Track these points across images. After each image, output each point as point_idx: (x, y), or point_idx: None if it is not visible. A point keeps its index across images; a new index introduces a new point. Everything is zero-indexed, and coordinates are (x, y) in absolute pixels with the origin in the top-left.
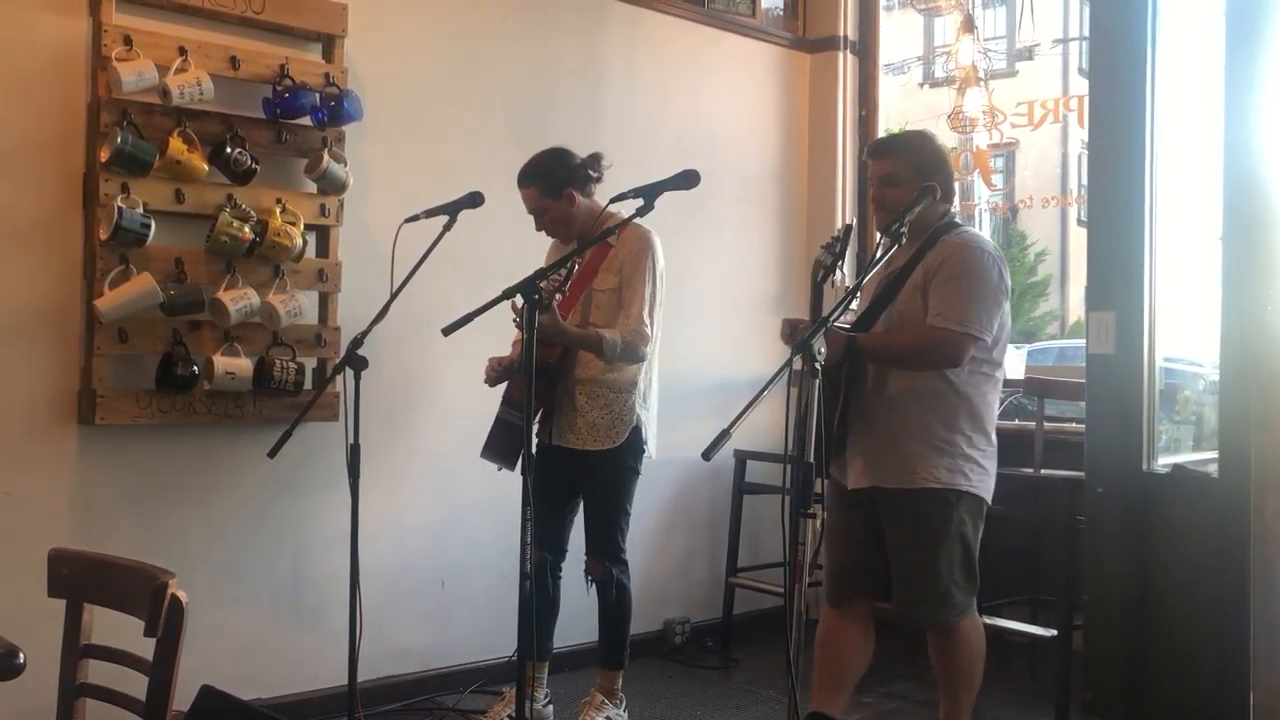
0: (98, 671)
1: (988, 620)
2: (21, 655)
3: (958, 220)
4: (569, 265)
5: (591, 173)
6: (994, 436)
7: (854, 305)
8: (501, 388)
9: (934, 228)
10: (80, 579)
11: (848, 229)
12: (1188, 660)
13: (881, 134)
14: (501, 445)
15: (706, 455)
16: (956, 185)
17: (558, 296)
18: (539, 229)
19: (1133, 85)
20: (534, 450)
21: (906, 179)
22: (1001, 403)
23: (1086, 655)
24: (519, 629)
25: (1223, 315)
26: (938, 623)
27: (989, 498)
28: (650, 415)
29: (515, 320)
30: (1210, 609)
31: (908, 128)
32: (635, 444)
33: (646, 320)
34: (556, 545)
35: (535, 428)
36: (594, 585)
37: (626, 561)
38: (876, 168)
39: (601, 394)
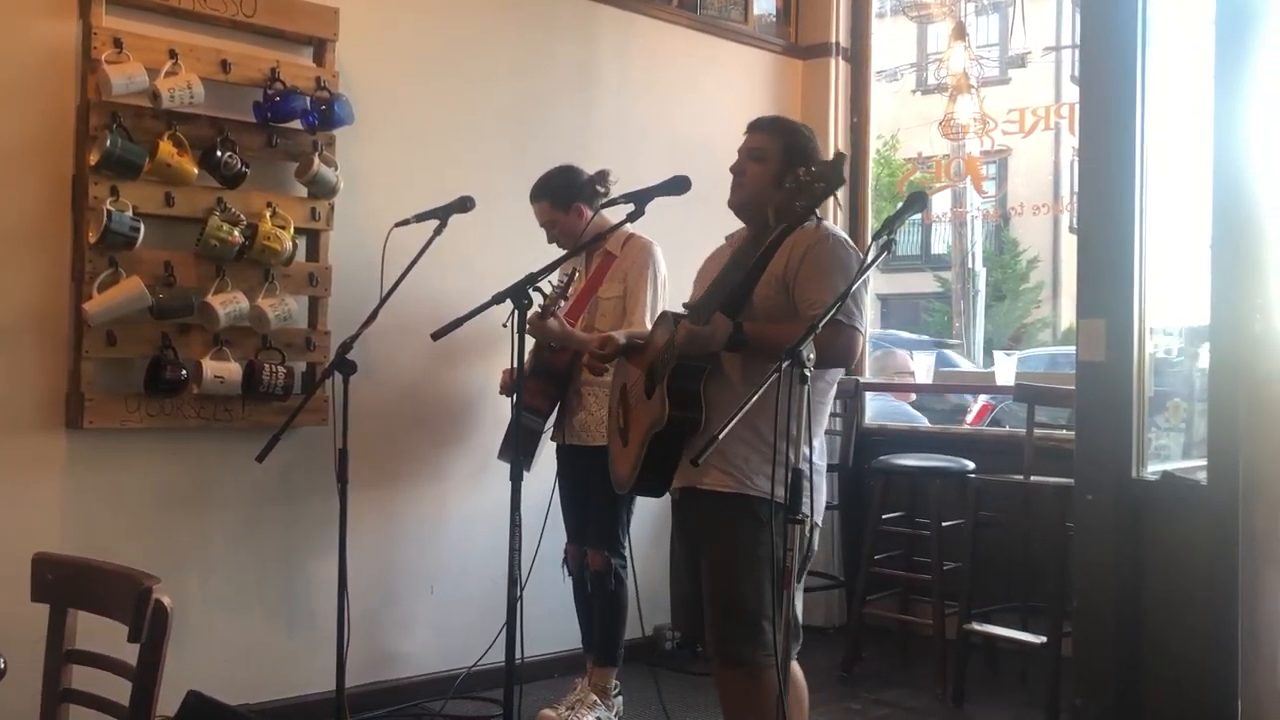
0: (81, 677)
1: (979, 627)
2: (2, 660)
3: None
4: (570, 273)
5: (599, 188)
6: (823, 447)
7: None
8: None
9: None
10: (64, 584)
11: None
12: (1177, 667)
13: (874, 140)
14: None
15: (695, 460)
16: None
17: (561, 304)
18: (550, 241)
19: (1123, 93)
20: (535, 452)
21: (772, 158)
22: (992, 409)
23: (1076, 662)
24: (506, 633)
25: (1212, 323)
26: (744, 661)
27: (817, 517)
28: None
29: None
30: (1199, 616)
31: (899, 134)
32: None
33: (648, 326)
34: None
35: (549, 431)
36: (594, 577)
37: (625, 555)
38: (750, 140)
39: (607, 392)
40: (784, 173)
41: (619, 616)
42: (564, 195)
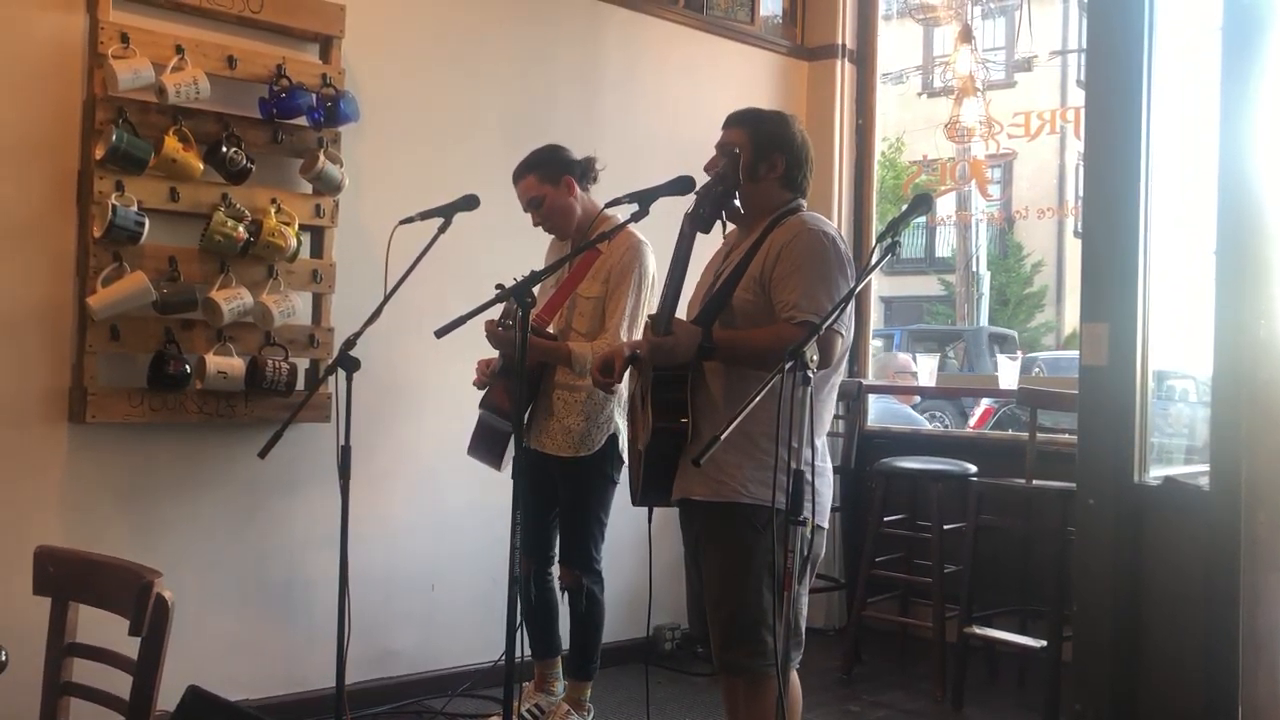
0: (82, 670)
1: (979, 630)
2: (4, 653)
3: (802, 205)
4: (562, 271)
5: (587, 172)
6: (825, 449)
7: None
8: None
9: (775, 214)
10: (66, 577)
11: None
12: (1176, 673)
13: (879, 143)
14: (484, 446)
15: (697, 460)
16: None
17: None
18: (536, 223)
19: (1129, 97)
20: (504, 452)
21: (742, 152)
22: (994, 413)
23: (1075, 667)
24: (507, 633)
25: (1216, 329)
26: (744, 669)
27: (821, 520)
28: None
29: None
30: (1199, 622)
31: (905, 137)
32: (611, 453)
33: (623, 336)
34: (540, 551)
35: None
36: (565, 593)
37: (599, 572)
38: (722, 137)
39: (578, 400)
40: (757, 164)
41: (593, 634)
42: (552, 168)
